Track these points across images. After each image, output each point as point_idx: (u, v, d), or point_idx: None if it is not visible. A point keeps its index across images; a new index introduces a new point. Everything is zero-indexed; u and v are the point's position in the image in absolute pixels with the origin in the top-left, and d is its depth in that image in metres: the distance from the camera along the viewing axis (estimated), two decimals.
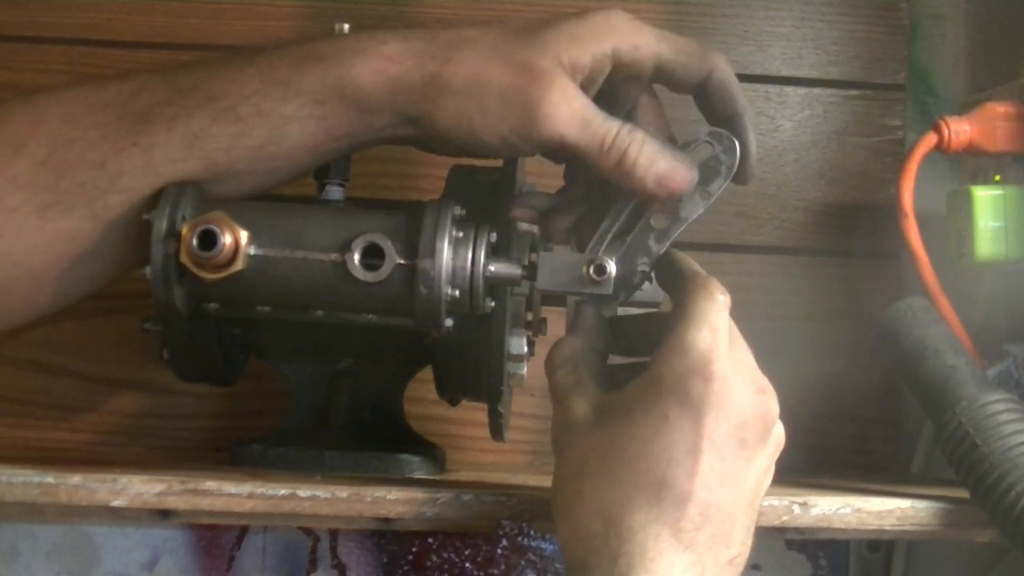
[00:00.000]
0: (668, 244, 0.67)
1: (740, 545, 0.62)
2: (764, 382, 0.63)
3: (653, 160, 0.66)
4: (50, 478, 0.66)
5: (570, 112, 0.65)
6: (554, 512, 0.63)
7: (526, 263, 0.69)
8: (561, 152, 0.67)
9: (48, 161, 0.67)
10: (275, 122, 0.67)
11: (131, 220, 0.67)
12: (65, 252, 0.68)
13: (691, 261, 0.67)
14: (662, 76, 0.69)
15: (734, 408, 0.61)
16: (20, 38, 0.96)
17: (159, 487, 0.66)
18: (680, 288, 0.64)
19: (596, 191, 0.70)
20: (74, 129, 0.67)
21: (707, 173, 0.67)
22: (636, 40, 0.67)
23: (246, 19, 0.98)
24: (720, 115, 0.69)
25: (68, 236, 0.67)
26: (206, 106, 0.67)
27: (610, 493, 0.61)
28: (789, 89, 1.01)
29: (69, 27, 0.97)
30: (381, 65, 0.67)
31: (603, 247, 0.67)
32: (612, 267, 0.67)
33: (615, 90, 0.69)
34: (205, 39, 0.97)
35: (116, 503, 0.66)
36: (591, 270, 0.67)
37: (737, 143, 0.68)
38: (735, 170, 0.68)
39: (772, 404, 0.63)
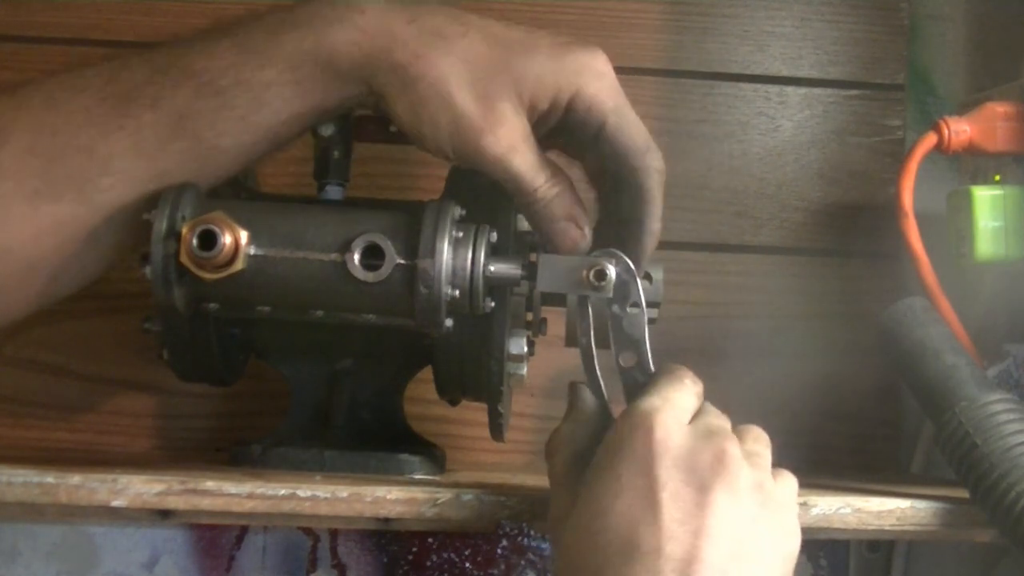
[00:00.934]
0: (651, 366, 0.67)
1: None
2: (717, 427, 0.62)
3: (557, 213, 0.68)
4: (50, 478, 0.66)
5: (515, 161, 0.67)
6: None
7: (526, 263, 0.69)
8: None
9: (34, 148, 0.67)
10: (255, 90, 0.67)
11: (123, 203, 0.67)
12: (57, 240, 0.67)
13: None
14: (597, 142, 0.69)
15: (682, 454, 0.60)
16: (20, 38, 0.96)
17: (159, 487, 0.66)
18: (653, 375, 0.66)
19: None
20: (57, 115, 0.67)
21: (619, 290, 0.67)
22: (593, 100, 0.68)
23: None
24: (623, 208, 0.70)
25: (59, 222, 0.67)
26: (186, 83, 0.67)
27: (583, 571, 0.59)
28: (789, 89, 1.01)
29: (69, 27, 0.97)
30: (356, 36, 0.67)
31: (594, 355, 0.68)
32: (612, 271, 0.67)
33: (564, 128, 0.69)
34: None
35: (116, 503, 0.66)
36: (591, 275, 0.67)
37: (628, 260, 0.67)
38: (636, 272, 0.68)
39: (727, 445, 0.61)
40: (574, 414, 0.67)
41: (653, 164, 0.69)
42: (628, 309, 0.67)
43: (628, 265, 0.68)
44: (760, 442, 0.64)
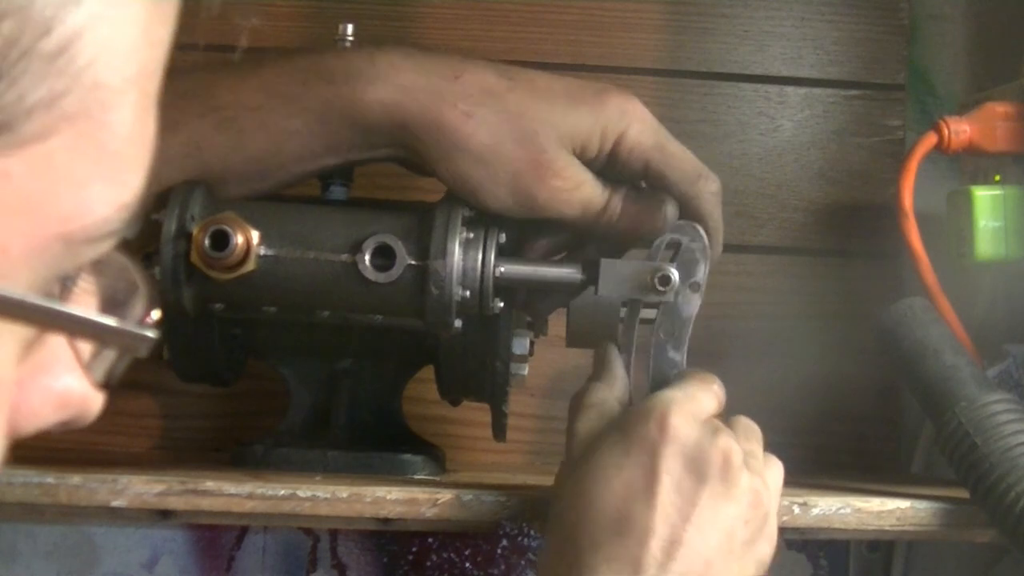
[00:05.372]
0: (685, 346, 0.68)
1: None
2: (724, 428, 0.64)
3: (628, 211, 0.70)
4: (50, 478, 0.66)
5: (575, 198, 0.68)
6: (537, 565, 0.65)
7: (586, 268, 0.69)
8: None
9: None
10: (276, 136, 0.67)
11: None
12: None
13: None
14: (648, 178, 0.71)
15: (690, 444, 0.62)
16: None
17: (159, 487, 0.66)
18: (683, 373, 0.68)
19: None
20: None
21: (687, 265, 0.68)
22: (635, 141, 0.69)
23: (246, 19, 0.97)
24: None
25: None
26: (208, 115, 0.67)
27: (576, 534, 0.61)
28: (789, 89, 1.01)
29: None
30: (396, 97, 0.67)
31: (632, 357, 0.69)
32: (675, 275, 0.67)
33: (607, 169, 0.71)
34: (205, 39, 0.97)
35: (116, 503, 0.66)
36: (656, 279, 0.67)
37: (701, 229, 0.69)
38: (708, 252, 0.69)
39: (732, 446, 0.63)
40: (607, 377, 0.68)
41: (706, 189, 0.71)
42: (687, 286, 0.68)
43: (704, 244, 0.68)
44: (752, 439, 0.67)
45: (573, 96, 0.69)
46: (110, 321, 0.33)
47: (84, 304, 0.34)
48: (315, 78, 0.67)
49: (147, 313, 0.35)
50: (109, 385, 0.35)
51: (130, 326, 0.33)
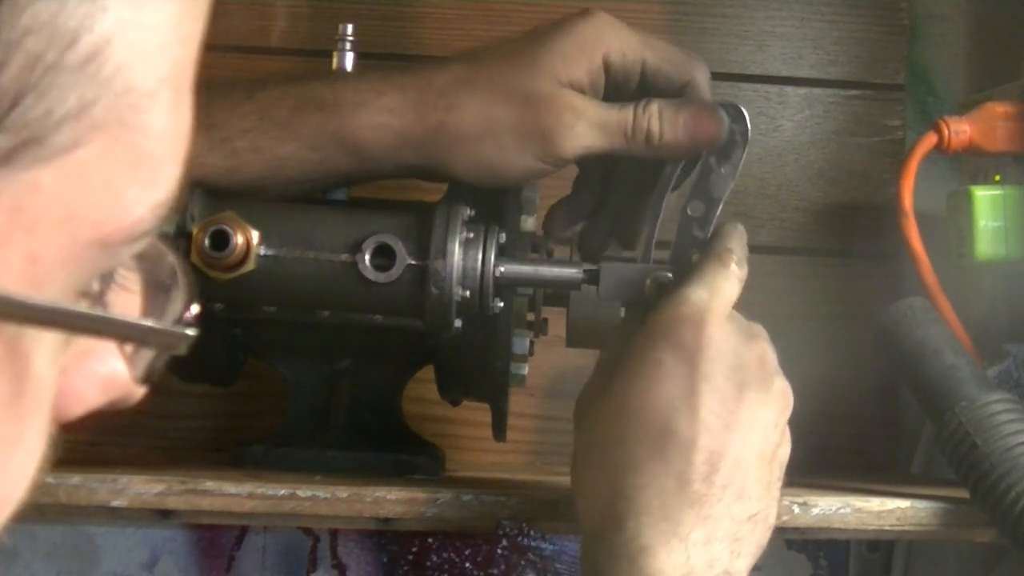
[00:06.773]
0: (712, 227, 0.68)
1: (759, 501, 0.61)
2: (757, 329, 0.64)
3: (674, 122, 0.67)
4: (50, 478, 0.66)
5: (587, 124, 0.67)
6: (572, 489, 0.63)
7: (587, 269, 0.69)
8: (591, 159, 0.69)
9: None
10: (270, 161, 0.68)
11: None
12: None
13: (733, 238, 0.66)
14: (646, 80, 0.70)
15: (727, 350, 0.61)
16: None
17: (159, 487, 0.66)
18: (701, 256, 0.66)
19: (606, 194, 0.74)
20: None
21: (725, 147, 0.68)
22: (623, 47, 0.69)
23: (247, 19, 0.97)
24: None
25: None
26: (205, 133, 0.67)
27: (615, 455, 0.60)
28: (789, 89, 1.01)
29: None
30: (382, 119, 0.67)
31: (651, 249, 0.68)
32: (670, 281, 0.66)
33: (611, 92, 0.70)
34: (205, 39, 0.97)
35: (116, 503, 0.66)
36: (653, 286, 0.67)
37: (745, 111, 0.68)
38: (750, 136, 0.68)
39: (767, 349, 0.63)
40: (632, 313, 0.68)
41: (701, 72, 0.70)
42: (722, 168, 0.68)
43: (747, 128, 0.68)
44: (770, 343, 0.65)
45: (539, 40, 0.68)
46: (147, 323, 0.32)
47: (125, 299, 0.33)
48: (306, 105, 0.68)
49: (186, 309, 0.35)
50: (150, 381, 0.35)
51: (168, 326, 0.33)
